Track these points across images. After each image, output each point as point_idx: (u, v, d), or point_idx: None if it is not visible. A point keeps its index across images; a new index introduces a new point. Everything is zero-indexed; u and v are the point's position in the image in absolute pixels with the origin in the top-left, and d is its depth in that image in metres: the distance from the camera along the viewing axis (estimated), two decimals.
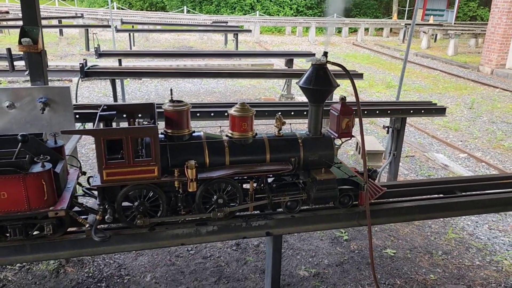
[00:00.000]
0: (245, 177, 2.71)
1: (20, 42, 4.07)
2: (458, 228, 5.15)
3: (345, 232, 4.84)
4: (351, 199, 2.84)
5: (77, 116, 4.58)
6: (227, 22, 20.26)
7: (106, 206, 2.44)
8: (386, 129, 5.86)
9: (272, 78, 10.48)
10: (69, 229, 2.51)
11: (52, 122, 4.18)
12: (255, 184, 2.70)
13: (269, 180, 2.79)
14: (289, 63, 10.27)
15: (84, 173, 2.73)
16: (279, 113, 2.76)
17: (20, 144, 2.23)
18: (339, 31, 27.01)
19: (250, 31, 19.68)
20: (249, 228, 2.71)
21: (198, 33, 21.12)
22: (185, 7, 28.86)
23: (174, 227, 2.60)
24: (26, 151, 2.28)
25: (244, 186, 2.73)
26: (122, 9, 27.69)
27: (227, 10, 29.98)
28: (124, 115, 2.75)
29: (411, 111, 5.57)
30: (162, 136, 2.56)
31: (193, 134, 2.60)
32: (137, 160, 2.35)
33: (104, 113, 2.50)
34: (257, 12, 28.68)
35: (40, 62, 4.19)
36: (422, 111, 5.61)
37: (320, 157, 2.74)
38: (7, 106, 4.09)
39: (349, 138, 2.80)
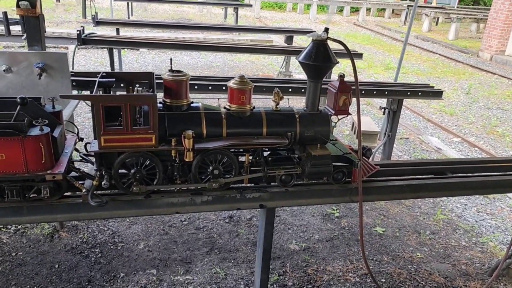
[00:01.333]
0: (241, 150, 2.74)
1: (18, 5, 4.01)
2: (447, 210, 5.26)
3: (336, 209, 4.93)
4: (344, 175, 2.88)
5: (74, 83, 4.56)
6: None
7: (103, 172, 2.47)
8: (383, 110, 5.89)
9: (271, 54, 10.41)
10: (65, 194, 2.54)
11: (49, 88, 4.17)
12: (250, 157, 2.73)
13: (265, 154, 2.82)
14: (289, 40, 10.18)
15: (81, 139, 2.75)
16: (277, 88, 2.77)
17: (19, 106, 2.24)
18: (340, 10, 26.66)
19: (250, 5, 19.39)
20: (243, 200, 2.76)
21: (198, 5, 20.77)
22: None
23: (169, 195, 2.64)
24: (25, 114, 2.29)
25: (240, 159, 2.76)
26: None
27: None
28: (122, 84, 2.75)
29: (408, 93, 5.58)
30: (161, 105, 2.57)
31: (192, 105, 2.62)
32: (135, 128, 2.37)
33: (103, 79, 2.50)
34: None
35: (38, 26, 4.14)
36: (419, 94, 5.62)
37: (316, 133, 2.77)
38: (4, 70, 4.06)
39: (346, 115, 2.82)
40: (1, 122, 2.22)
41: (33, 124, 2.29)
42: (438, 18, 24.15)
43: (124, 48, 10.34)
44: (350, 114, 2.83)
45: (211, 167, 2.59)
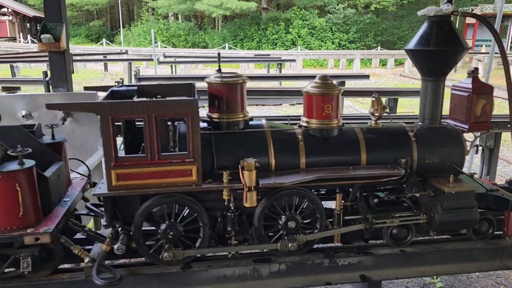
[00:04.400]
0: (323, 190, 1.79)
1: (39, 40, 3.46)
2: None
3: (437, 278, 3.71)
4: (491, 226, 1.82)
5: None
6: (269, 55, 19.92)
7: (119, 230, 1.58)
8: (475, 148, 4.77)
9: None
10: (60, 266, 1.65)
11: (75, 135, 3.49)
12: (342, 200, 1.75)
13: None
14: (341, 85, 9.44)
15: (94, 184, 1.90)
16: (376, 94, 1.84)
17: None
18: (383, 64, 26.13)
19: (294, 60, 19.15)
20: (335, 269, 1.76)
21: (240, 64, 20.88)
22: (226, 44, 29.10)
23: (220, 264, 1.68)
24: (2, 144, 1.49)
25: (325, 203, 1.79)
26: (165, 47, 28.31)
27: (268, 46, 29.96)
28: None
29: (508, 125, 4.46)
30: (205, 124, 1.70)
31: (251, 122, 1.74)
32: (165, 154, 1.50)
33: (120, 88, 1.70)
34: (299, 47, 28.42)
35: (63, 63, 3.54)
36: None
37: (443, 159, 1.78)
38: (23, 116, 3.46)
39: (487, 130, 1.83)
40: None
41: (8, 155, 1.47)
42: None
43: None
44: (492, 127, 1.84)
45: (283, 217, 1.64)
